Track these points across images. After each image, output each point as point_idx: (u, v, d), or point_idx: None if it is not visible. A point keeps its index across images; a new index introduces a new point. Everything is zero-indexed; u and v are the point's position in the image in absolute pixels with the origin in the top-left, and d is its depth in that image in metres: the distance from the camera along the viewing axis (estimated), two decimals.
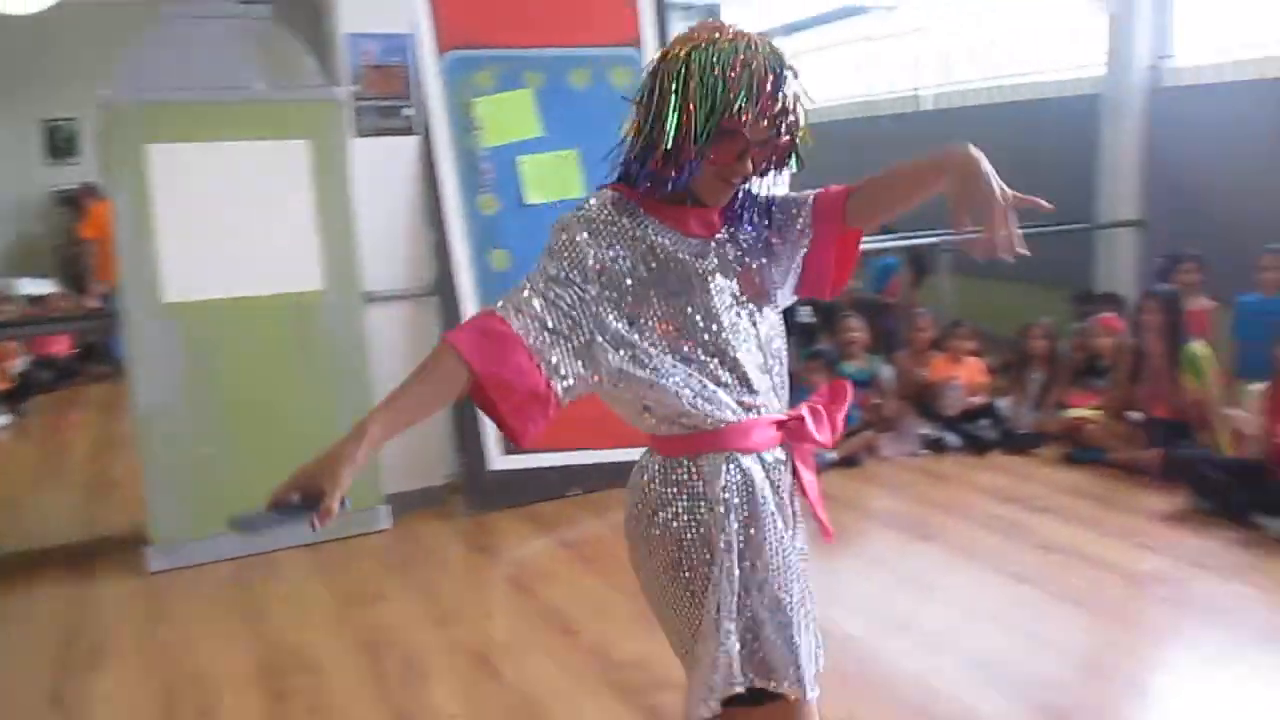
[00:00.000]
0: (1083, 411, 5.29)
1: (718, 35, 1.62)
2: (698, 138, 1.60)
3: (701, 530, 1.71)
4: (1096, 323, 5.62)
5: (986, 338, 7.22)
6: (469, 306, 4.66)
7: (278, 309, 4.33)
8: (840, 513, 4.65)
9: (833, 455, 5.14)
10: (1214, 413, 4.87)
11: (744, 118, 1.59)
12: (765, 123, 1.62)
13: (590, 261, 1.65)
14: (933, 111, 8.56)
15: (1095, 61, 6.97)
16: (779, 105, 1.61)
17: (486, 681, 3.21)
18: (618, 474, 4.77)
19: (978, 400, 5.60)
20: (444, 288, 4.68)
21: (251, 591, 3.97)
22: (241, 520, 1.45)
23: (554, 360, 1.61)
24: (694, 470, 1.72)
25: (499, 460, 4.74)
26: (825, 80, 9.59)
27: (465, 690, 3.17)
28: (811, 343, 6.00)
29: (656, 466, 1.77)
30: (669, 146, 1.62)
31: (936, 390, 5.60)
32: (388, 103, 4.55)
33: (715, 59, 1.59)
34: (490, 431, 4.72)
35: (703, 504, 1.71)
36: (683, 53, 1.62)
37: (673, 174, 1.64)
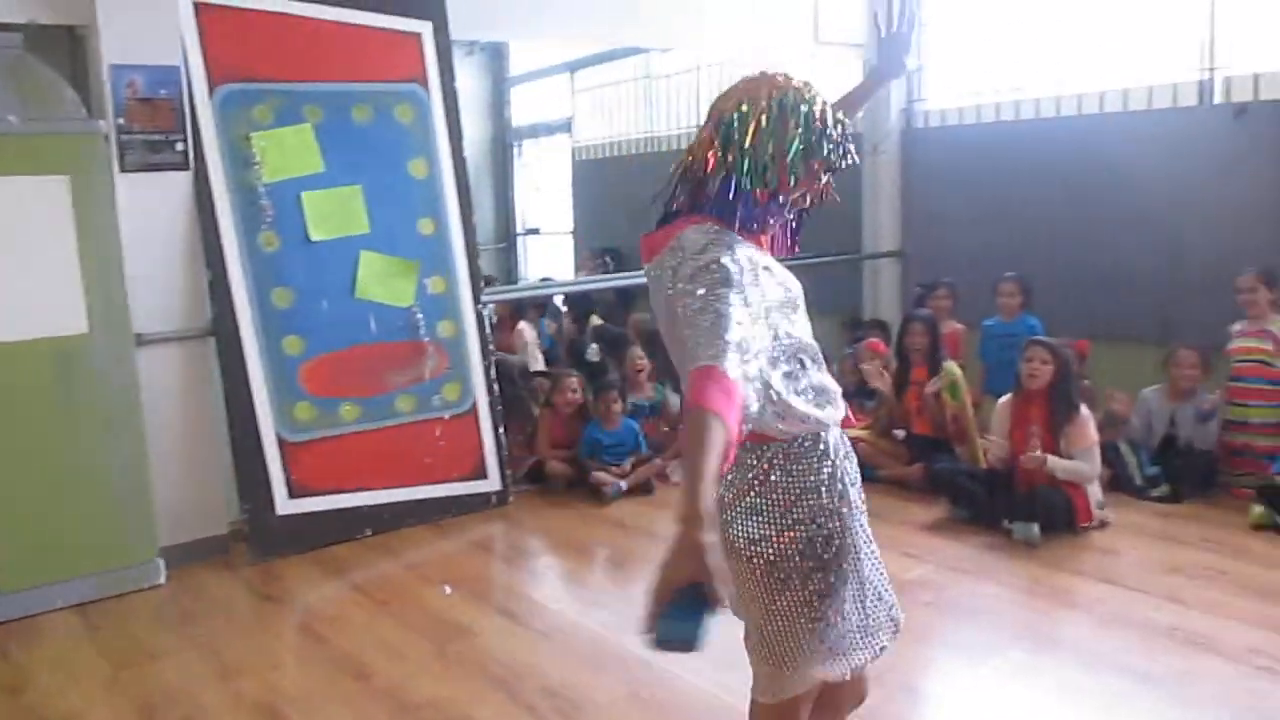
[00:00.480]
0: (853, 431, 5.63)
1: (798, 84, 1.86)
2: (793, 175, 1.83)
3: (832, 505, 1.93)
4: (864, 347, 6.00)
5: None
6: (250, 347, 4.51)
7: (38, 354, 4.05)
8: (632, 540, 4.78)
9: (624, 484, 5.27)
10: (968, 428, 5.30)
11: (831, 160, 1.85)
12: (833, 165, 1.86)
13: (752, 288, 1.76)
14: None
15: None
16: (845, 150, 1.86)
17: None
18: (410, 513, 4.82)
19: None
20: (222, 327, 4.51)
21: (10, 660, 3.68)
22: (668, 637, 1.46)
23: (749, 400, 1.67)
24: (815, 456, 1.93)
25: (285, 504, 4.60)
26: (610, 116, 9.82)
27: None
28: (602, 376, 6.12)
29: (780, 458, 1.90)
30: (776, 183, 1.82)
31: None
32: (157, 136, 4.36)
33: (811, 107, 1.83)
34: (277, 475, 4.58)
35: (824, 489, 1.92)
36: (777, 100, 1.82)
37: (772, 207, 1.86)
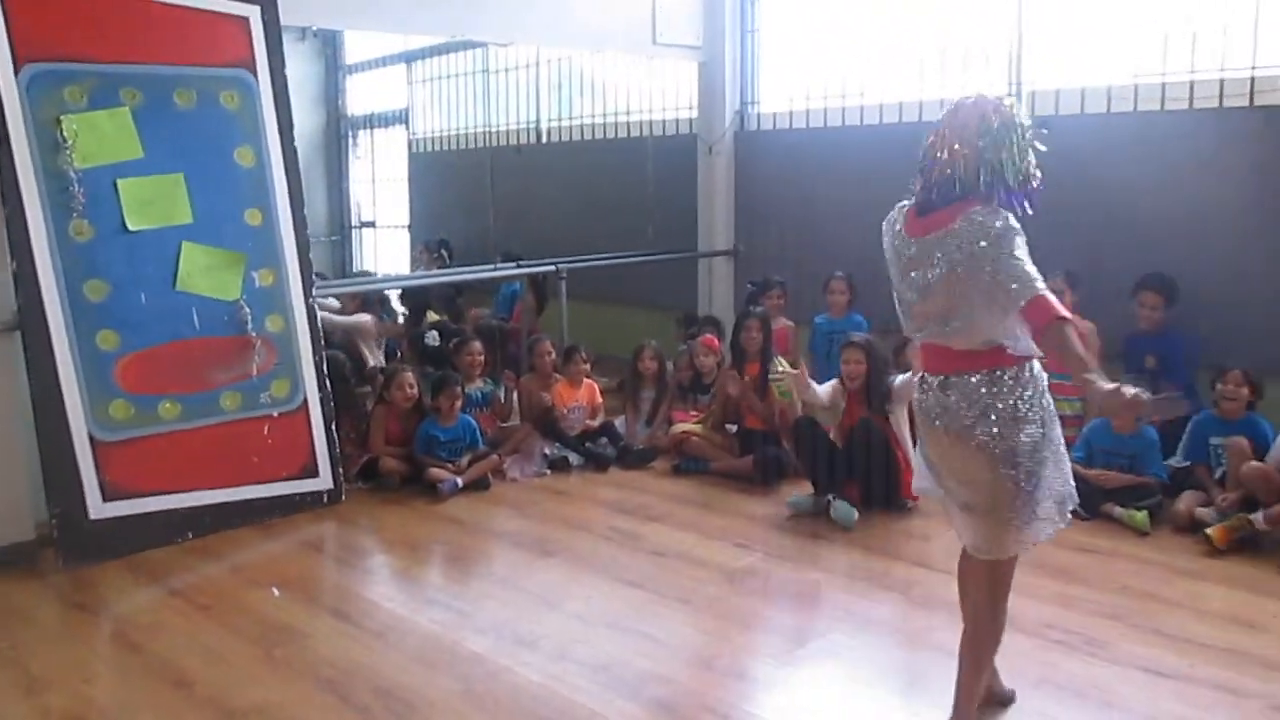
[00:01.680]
0: (687, 426, 5.78)
1: (1015, 106, 2.63)
2: (1034, 175, 2.65)
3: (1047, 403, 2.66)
4: (699, 343, 6.15)
5: (604, 358, 7.66)
6: (60, 341, 4.26)
7: None
8: (468, 537, 4.77)
9: (460, 481, 5.24)
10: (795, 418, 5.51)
11: (1038, 163, 2.68)
12: None
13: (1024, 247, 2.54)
14: (553, 144, 8.95)
15: (693, 104, 7.66)
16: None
17: None
18: (236, 515, 4.66)
19: (596, 421, 5.94)
20: (28, 321, 4.24)
21: None
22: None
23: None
24: (1038, 378, 2.65)
25: (99, 508, 4.37)
26: (448, 109, 9.71)
27: None
28: (437, 366, 6.07)
29: (1023, 376, 2.61)
30: (1025, 180, 2.60)
31: (559, 412, 5.86)
32: None
33: (1025, 125, 2.64)
34: (89, 476, 4.34)
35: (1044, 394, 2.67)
36: (1017, 121, 2.60)
37: (1019, 195, 2.60)
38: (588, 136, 8.58)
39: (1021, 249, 2.49)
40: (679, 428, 5.79)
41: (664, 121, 7.96)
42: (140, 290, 4.49)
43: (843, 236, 6.73)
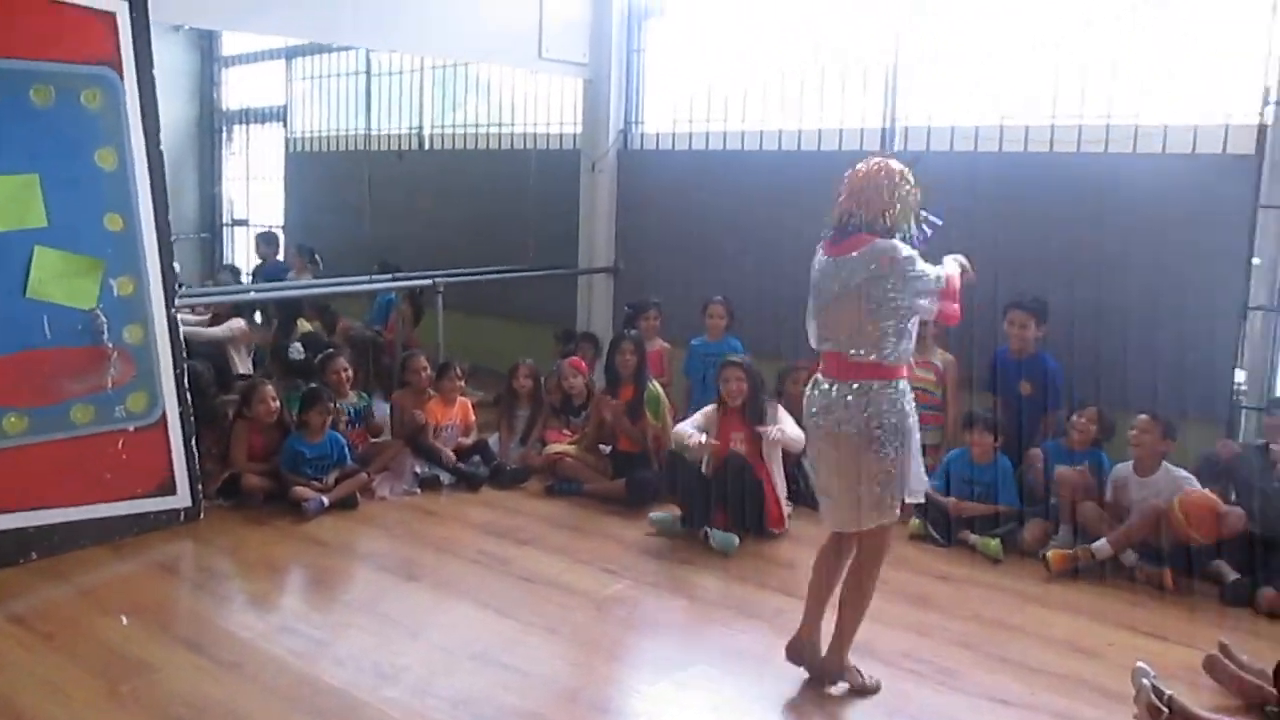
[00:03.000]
0: (561, 447, 5.77)
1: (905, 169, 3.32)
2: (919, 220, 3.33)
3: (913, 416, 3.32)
4: (567, 365, 6.16)
5: (480, 370, 7.60)
6: None
7: None
8: (332, 559, 4.66)
9: (326, 500, 5.11)
10: (669, 445, 5.55)
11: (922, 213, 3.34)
12: None
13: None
14: (436, 151, 8.83)
15: (578, 120, 7.66)
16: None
17: None
18: (86, 534, 4.46)
19: (469, 440, 5.88)
20: None
21: None
22: None
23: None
24: (903, 386, 3.29)
25: None
26: (328, 109, 9.49)
27: None
28: (304, 379, 5.91)
29: (902, 387, 3.28)
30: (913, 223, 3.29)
31: (432, 430, 5.78)
32: None
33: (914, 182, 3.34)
34: None
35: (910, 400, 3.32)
36: (908, 179, 3.30)
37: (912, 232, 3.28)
38: (471, 146, 8.50)
39: (920, 262, 3.21)
40: (553, 448, 5.78)
41: (549, 135, 7.94)
42: None
43: (723, 259, 6.84)
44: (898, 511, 3.38)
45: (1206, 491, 4.47)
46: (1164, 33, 5.24)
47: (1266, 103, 4.96)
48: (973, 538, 4.86)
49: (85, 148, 4.56)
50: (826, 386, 3.31)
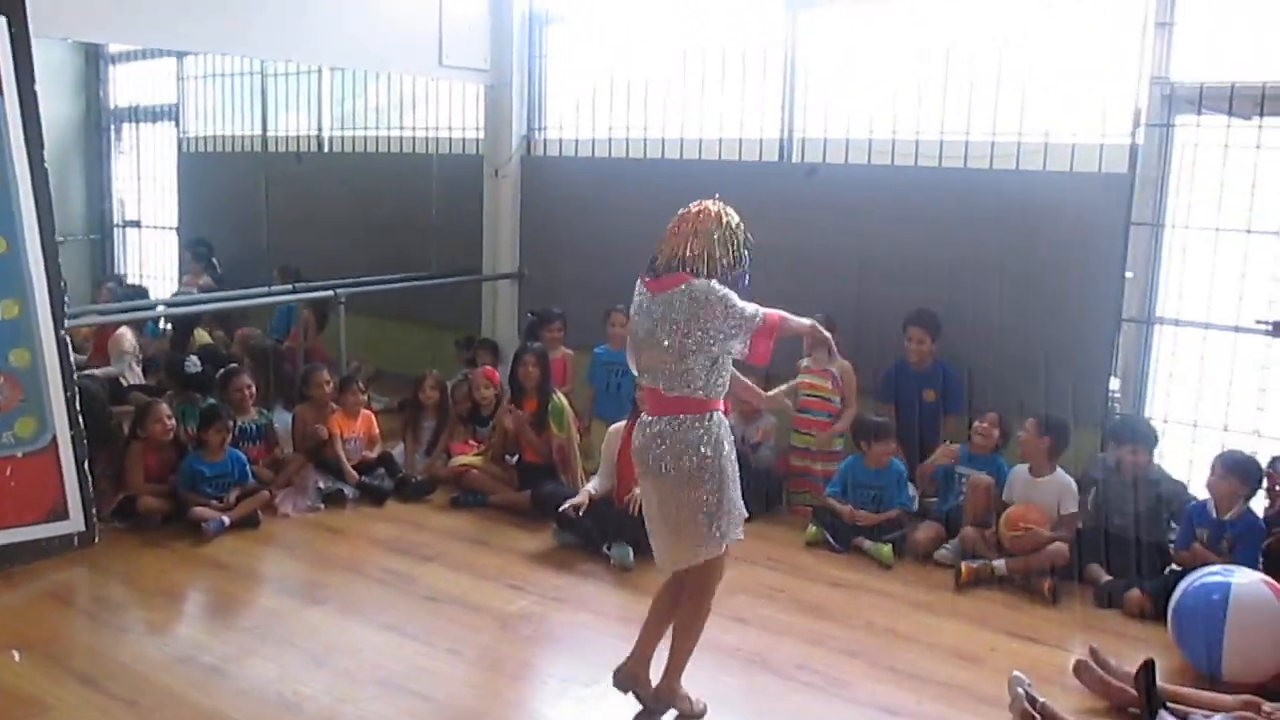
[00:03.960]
0: (466, 458, 5.79)
1: (732, 212, 3.39)
2: (743, 264, 3.35)
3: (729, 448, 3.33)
4: (480, 374, 6.17)
5: (384, 374, 7.57)
6: None
7: None
8: (233, 583, 4.63)
9: (226, 519, 5.06)
10: (573, 456, 5.63)
11: (749, 255, 3.36)
12: None
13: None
14: (336, 154, 8.70)
15: (480, 125, 7.64)
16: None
17: None
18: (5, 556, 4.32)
19: (374, 453, 5.87)
20: None
21: None
22: None
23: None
24: (719, 419, 3.33)
25: None
26: (221, 109, 9.26)
27: None
28: (203, 393, 5.81)
29: (717, 419, 3.30)
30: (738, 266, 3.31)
31: (334, 444, 5.74)
32: None
33: (740, 227, 3.36)
34: None
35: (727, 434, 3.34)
36: (735, 224, 3.35)
37: (733, 276, 3.31)
38: (372, 149, 8.40)
39: (736, 300, 3.27)
40: (458, 460, 5.80)
41: (450, 140, 7.89)
42: None
43: (626, 267, 6.72)
44: (723, 546, 3.36)
45: (1032, 509, 4.78)
46: (1046, 52, 5.46)
47: (1137, 124, 5.22)
48: (866, 543, 5.04)
49: None
50: (649, 422, 3.33)
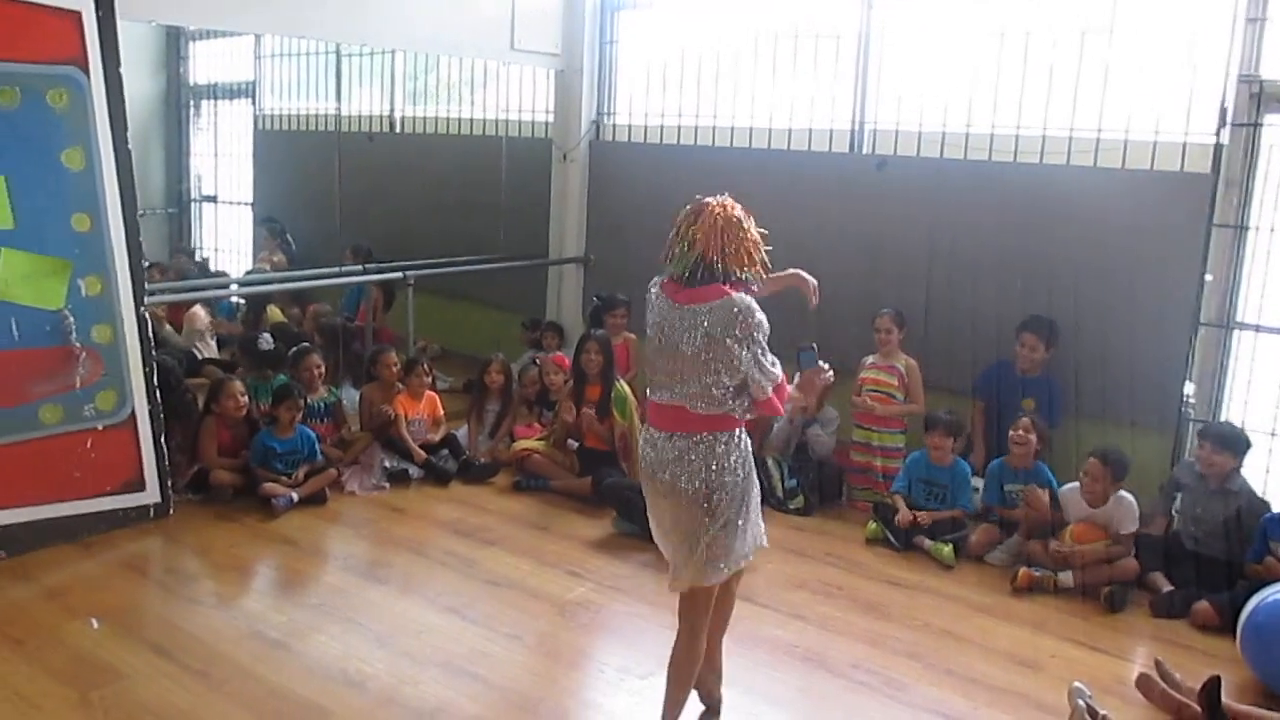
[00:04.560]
0: (529, 443, 5.85)
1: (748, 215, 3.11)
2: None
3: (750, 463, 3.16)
4: (550, 361, 6.22)
5: (450, 354, 7.67)
6: None
7: None
8: (300, 559, 4.74)
9: (295, 496, 5.18)
10: (635, 444, 5.64)
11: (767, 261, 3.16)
12: None
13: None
14: (407, 134, 8.80)
15: (550, 109, 7.67)
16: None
17: None
18: (53, 532, 4.50)
19: (437, 435, 5.95)
20: None
21: None
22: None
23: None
24: (743, 437, 3.12)
25: None
26: (297, 88, 9.40)
27: None
28: (274, 370, 5.93)
29: (744, 438, 3.11)
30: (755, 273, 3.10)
31: (400, 424, 5.83)
32: None
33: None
34: None
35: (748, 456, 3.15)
36: (751, 227, 3.08)
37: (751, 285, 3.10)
38: (443, 130, 8.47)
39: (764, 338, 3.00)
40: (521, 444, 5.86)
41: (520, 123, 7.93)
42: None
43: None
44: (725, 575, 3.16)
45: (1093, 528, 4.67)
46: (1130, 45, 5.32)
47: (1223, 123, 5.06)
48: (927, 543, 5.00)
49: (51, 148, 4.55)
50: (663, 439, 3.07)
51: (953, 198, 5.90)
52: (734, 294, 2.97)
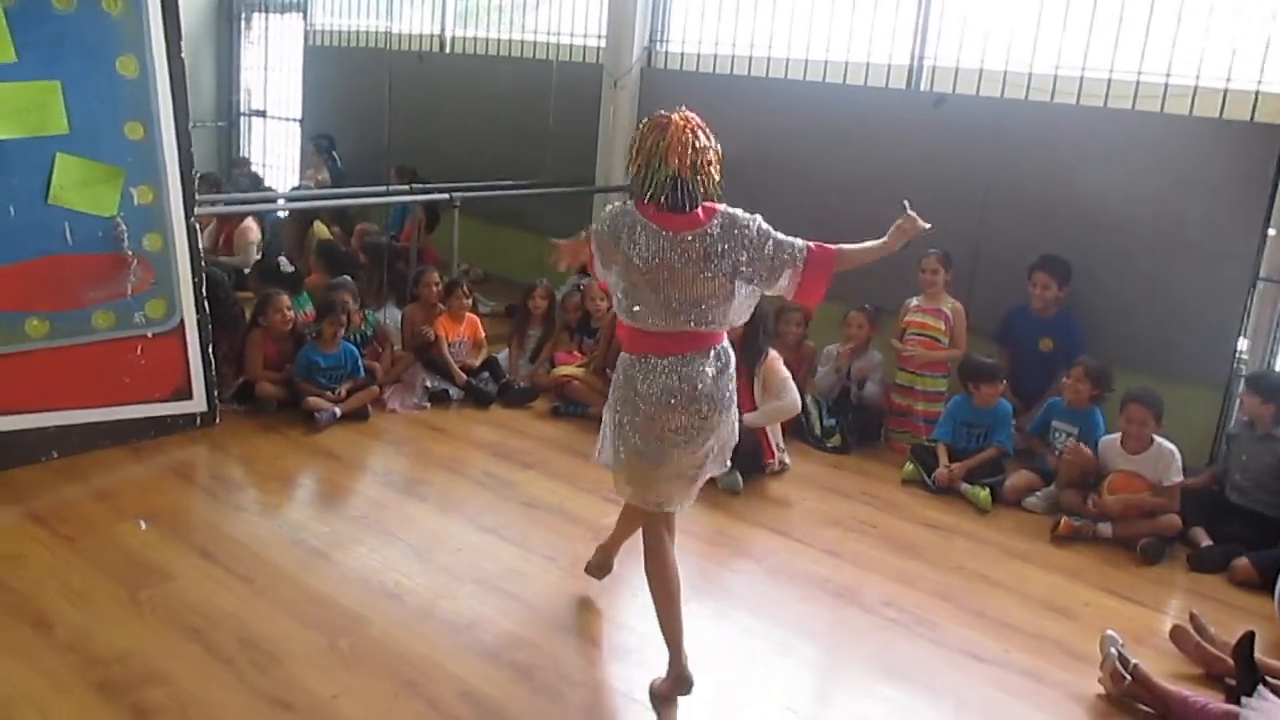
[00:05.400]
0: (569, 368, 5.87)
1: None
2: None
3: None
4: (596, 286, 6.19)
5: (493, 278, 7.68)
6: None
7: None
8: (342, 473, 4.82)
9: (338, 411, 5.25)
10: None
11: None
12: None
13: None
14: (457, 55, 8.72)
15: (601, 34, 7.55)
16: None
17: None
18: (104, 435, 4.60)
19: (478, 358, 5.98)
20: None
21: None
22: None
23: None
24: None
25: None
26: (348, 2, 9.32)
27: None
28: (293, 291, 5.93)
29: (730, 350, 3.17)
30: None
31: (441, 345, 5.87)
32: None
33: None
34: None
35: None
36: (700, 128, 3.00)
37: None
38: (493, 53, 8.39)
39: (773, 229, 3.07)
40: (561, 370, 5.89)
41: (571, 47, 7.83)
42: (8, 202, 4.31)
43: (739, 187, 6.73)
44: (625, 492, 3.33)
45: (1135, 479, 4.60)
46: None
47: None
48: (964, 486, 4.98)
49: (106, 55, 4.54)
50: (682, 363, 3.01)
51: (1010, 139, 5.78)
52: (725, 209, 3.02)
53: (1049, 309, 5.48)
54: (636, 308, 3.03)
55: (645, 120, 3.05)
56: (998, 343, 5.68)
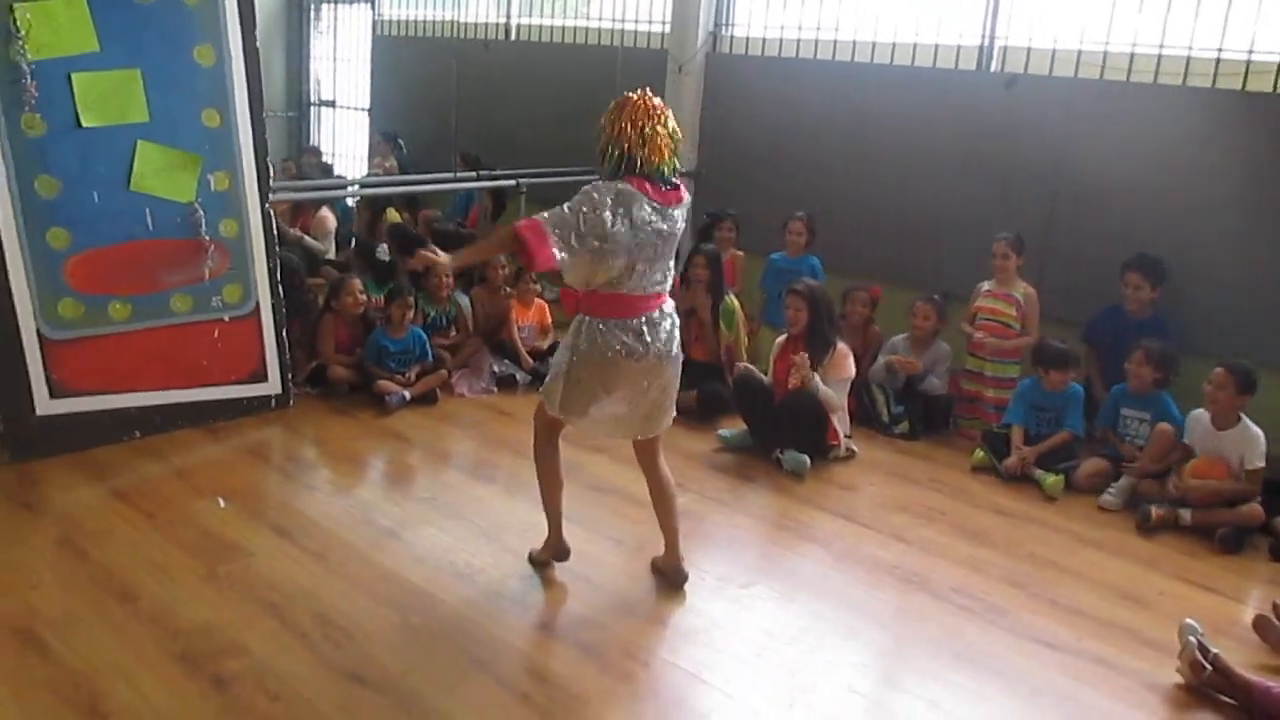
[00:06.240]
0: None
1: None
2: None
3: None
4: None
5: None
6: (9, 238, 4.24)
7: None
8: (411, 455, 4.89)
9: (407, 394, 5.32)
10: (739, 358, 5.64)
11: None
12: None
13: None
14: (522, 43, 8.76)
15: (666, 20, 7.54)
16: None
17: (31, 659, 3.06)
18: (183, 416, 4.73)
19: (546, 342, 6.02)
20: None
21: None
22: None
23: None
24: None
25: (46, 404, 4.41)
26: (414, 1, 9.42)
27: (5, 672, 3.00)
28: (387, 280, 6.05)
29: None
30: None
31: (510, 329, 5.92)
32: None
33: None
34: (36, 373, 4.37)
35: None
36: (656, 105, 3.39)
37: None
38: (558, 39, 8.42)
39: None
40: None
41: (635, 33, 7.82)
42: (93, 189, 4.45)
43: (806, 171, 6.78)
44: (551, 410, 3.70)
45: (1217, 463, 4.49)
46: None
47: None
48: (1036, 471, 4.91)
49: (184, 44, 4.65)
50: (658, 317, 3.49)
51: (1084, 121, 5.65)
52: (682, 187, 3.46)
53: (1144, 310, 5.31)
54: (637, 270, 3.36)
55: (612, 102, 3.40)
56: (1085, 342, 5.53)
